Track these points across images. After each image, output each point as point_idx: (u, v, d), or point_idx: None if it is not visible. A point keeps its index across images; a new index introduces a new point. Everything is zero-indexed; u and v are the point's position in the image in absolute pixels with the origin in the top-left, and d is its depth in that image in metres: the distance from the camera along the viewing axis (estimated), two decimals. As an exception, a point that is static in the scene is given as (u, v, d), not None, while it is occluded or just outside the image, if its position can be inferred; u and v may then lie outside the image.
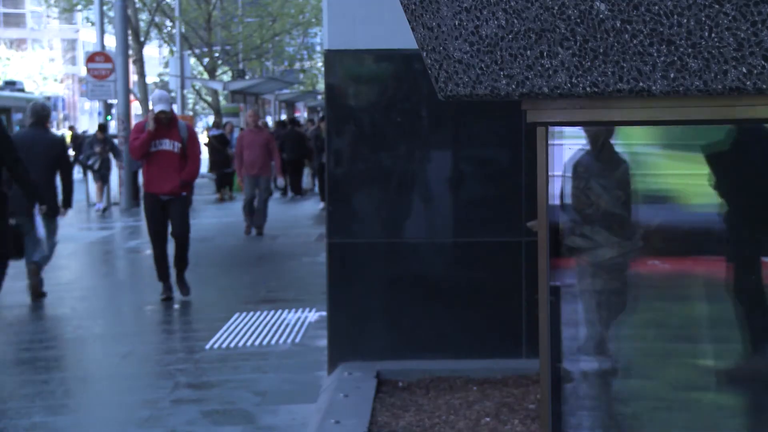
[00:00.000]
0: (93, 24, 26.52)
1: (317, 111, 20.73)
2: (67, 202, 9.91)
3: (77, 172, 19.84)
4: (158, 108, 9.54)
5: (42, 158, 9.30)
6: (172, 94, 39.98)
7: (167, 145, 9.47)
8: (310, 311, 8.87)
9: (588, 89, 2.58)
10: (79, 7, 33.35)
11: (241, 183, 15.27)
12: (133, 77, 27.52)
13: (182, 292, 9.74)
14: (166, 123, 9.50)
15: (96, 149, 19.71)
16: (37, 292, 9.68)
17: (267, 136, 15.35)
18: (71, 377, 7.01)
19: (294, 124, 25.35)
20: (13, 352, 7.77)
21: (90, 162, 19.78)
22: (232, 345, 7.68)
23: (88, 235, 16.19)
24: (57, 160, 9.61)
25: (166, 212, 9.51)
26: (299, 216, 18.51)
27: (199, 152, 9.75)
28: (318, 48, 42.13)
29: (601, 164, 3.92)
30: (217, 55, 35.34)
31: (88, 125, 54.10)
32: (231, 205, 20.56)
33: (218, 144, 22.43)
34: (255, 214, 15.25)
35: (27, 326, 8.83)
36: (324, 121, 21.03)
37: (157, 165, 9.44)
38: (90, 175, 20.78)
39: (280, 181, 18.18)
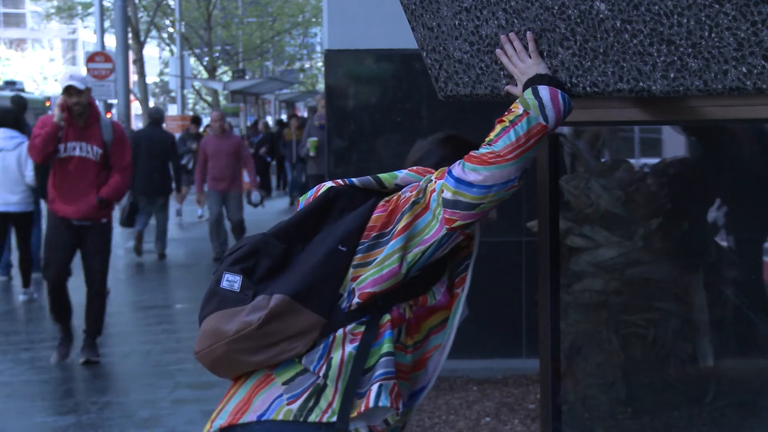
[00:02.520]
0: (87, 27, 26.54)
1: (315, 111, 20.85)
2: (179, 185, 13.09)
3: None
4: (68, 83, 6.89)
5: (158, 150, 12.07)
6: (172, 94, 39.95)
7: (81, 150, 6.91)
8: (310, 311, 8.86)
9: (588, 89, 2.58)
10: (80, 8, 33.38)
11: (200, 199, 12.47)
12: (133, 77, 27.52)
13: (89, 355, 7.12)
14: (79, 116, 6.90)
15: (192, 146, 16.96)
16: (139, 251, 12.44)
17: (236, 142, 12.50)
18: (71, 377, 7.01)
19: (282, 125, 24.53)
20: (13, 352, 7.77)
21: (183, 161, 16.09)
22: (232, 345, 7.68)
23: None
24: (168, 152, 12.26)
25: (78, 243, 7.00)
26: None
27: (128, 161, 7.08)
28: (318, 48, 42.14)
29: (601, 164, 3.92)
30: (217, 55, 35.35)
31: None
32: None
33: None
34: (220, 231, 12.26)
35: (27, 326, 8.83)
36: (289, 124, 20.41)
37: (67, 177, 6.88)
38: None
39: (255, 196, 13.56)
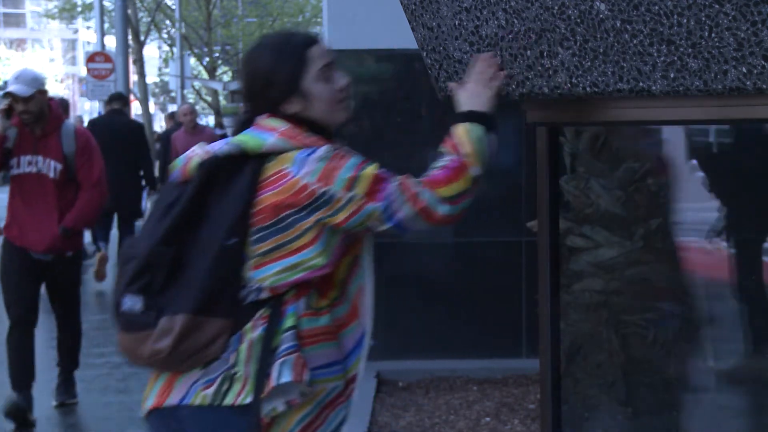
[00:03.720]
0: (89, 27, 26.54)
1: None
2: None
3: None
4: (12, 88, 5.48)
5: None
6: (172, 94, 39.94)
7: (36, 165, 5.58)
8: (310, 311, 8.87)
9: (588, 89, 2.58)
10: (79, 8, 33.38)
11: None
12: (133, 77, 27.53)
13: (63, 397, 6.07)
14: (33, 124, 5.55)
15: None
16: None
17: (209, 139, 10.37)
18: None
19: None
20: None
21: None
22: (232, 345, 7.68)
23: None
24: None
25: (41, 280, 5.70)
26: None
27: (98, 176, 5.70)
28: (318, 48, 42.04)
29: (601, 164, 3.92)
30: (217, 55, 35.36)
31: (88, 125, 53.97)
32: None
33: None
34: None
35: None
36: None
37: (24, 199, 5.61)
38: None
39: None
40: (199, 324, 2.36)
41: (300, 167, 2.42)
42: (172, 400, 2.46)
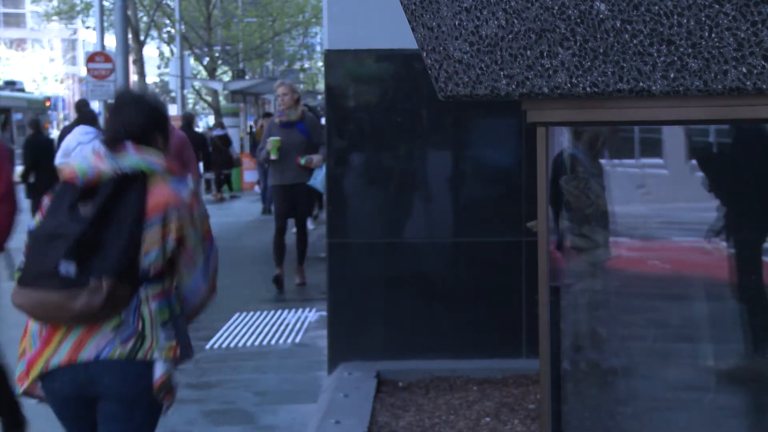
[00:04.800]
0: (89, 27, 26.52)
1: (316, 111, 20.75)
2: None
3: None
4: None
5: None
6: (172, 94, 39.92)
7: None
8: (310, 311, 8.87)
9: (588, 89, 2.58)
10: (79, 8, 33.37)
11: None
12: (133, 77, 27.51)
13: None
14: None
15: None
16: None
17: (179, 141, 9.40)
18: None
19: None
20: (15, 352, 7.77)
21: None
22: (232, 345, 7.68)
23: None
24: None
25: None
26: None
27: (5, 189, 5.38)
28: (318, 48, 42.13)
29: (599, 165, 3.92)
30: (217, 55, 35.35)
31: (88, 125, 53.97)
32: (230, 204, 20.57)
33: (221, 144, 22.43)
34: None
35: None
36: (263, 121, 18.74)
37: None
38: None
39: None
40: (117, 286, 3.12)
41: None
42: (88, 355, 3.17)
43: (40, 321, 3.26)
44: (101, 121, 12.89)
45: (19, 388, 3.35)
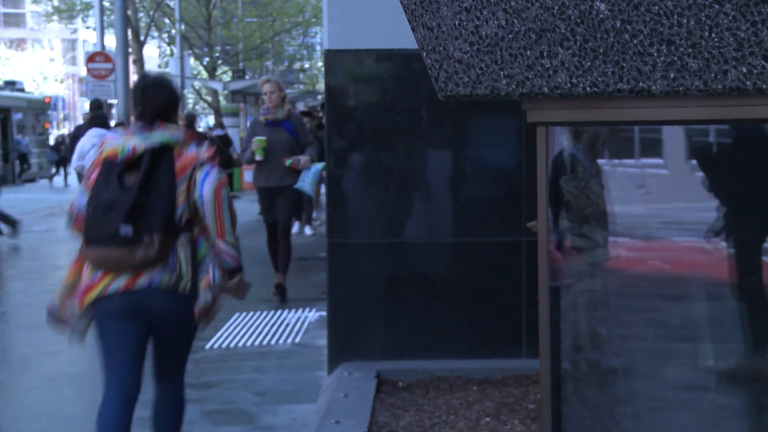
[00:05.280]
0: (89, 27, 26.50)
1: (317, 110, 20.66)
2: None
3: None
4: None
5: None
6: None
7: None
8: (310, 311, 8.87)
9: (588, 89, 2.58)
10: (78, 9, 33.36)
11: None
12: (133, 77, 27.51)
13: None
14: None
15: None
16: None
17: None
18: (72, 377, 7.01)
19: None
20: (15, 352, 7.77)
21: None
22: (232, 345, 7.68)
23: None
24: None
25: None
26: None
27: None
28: (318, 48, 42.13)
29: (598, 165, 3.92)
30: (217, 55, 35.34)
31: (88, 125, 53.93)
32: (231, 205, 20.55)
33: (221, 144, 22.43)
34: None
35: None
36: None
37: None
38: None
39: None
40: (164, 238, 4.04)
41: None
42: (142, 284, 4.08)
43: (106, 270, 4.11)
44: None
45: (79, 303, 4.23)
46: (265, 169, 9.34)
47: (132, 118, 4.53)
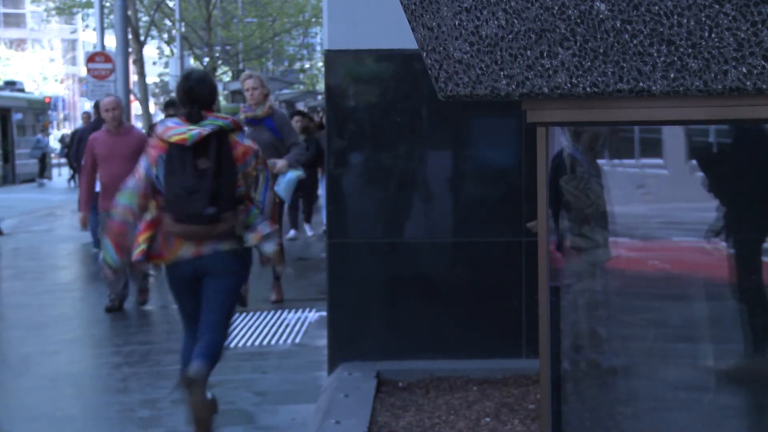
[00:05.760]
0: (88, 27, 26.46)
1: (317, 111, 20.59)
2: None
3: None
4: None
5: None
6: (172, 94, 39.88)
7: None
8: (310, 311, 8.87)
9: (588, 89, 2.58)
10: (77, 8, 33.36)
11: (84, 221, 9.14)
12: (133, 77, 27.51)
13: None
14: None
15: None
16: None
17: (138, 141, 8.86)
18: (71, 377, 7.01)
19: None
20: (15, 352, 7.77)
21: None
22: (232, 345, 7.68)
23: (86, 235, 16.19)
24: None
25: None
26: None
27: None
28: (318, 48, 42.13)
29: (597, 166, 3.91)
30: (217, 55, 35.34)
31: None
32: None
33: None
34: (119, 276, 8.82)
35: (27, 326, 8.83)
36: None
37: None
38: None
39: None
40: (233, 214, 5.08)
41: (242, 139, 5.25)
42: (207, 251, 5.10)
43: (186, 240, 5.07)
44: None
45: (158, 262, 5.20)
46: None
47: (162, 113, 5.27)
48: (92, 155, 8.88)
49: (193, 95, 5.12)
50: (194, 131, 5.00)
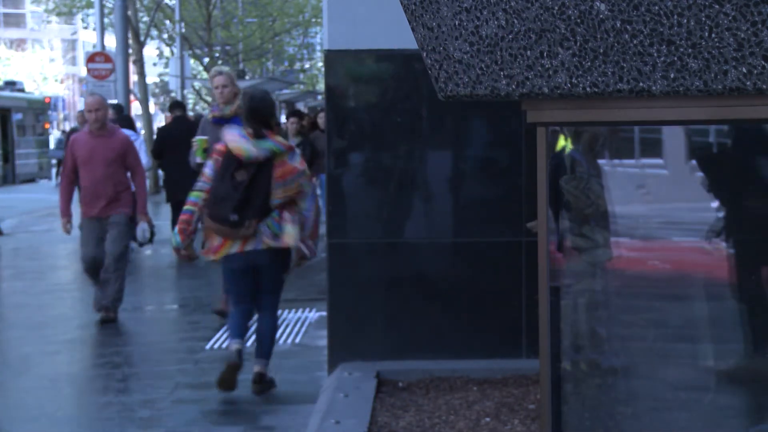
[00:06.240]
0: (87, 27, 26.47)
1: (317, 111, 20.68)
2: None
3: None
4: None
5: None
6: (172, 94, 39.96)
7: None
8: (310, 311, 8.86)
9: (588, 89, 2.58)
10: (78, 6, 33.35)
11: (67, 228, 8.64)
12: (133, 77, 27.51)
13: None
14: None
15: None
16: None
17: (121, 143, 8.58)
18: (71, 377, 7.01)
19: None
20: (15, 351, 7.77)
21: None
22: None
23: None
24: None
25: None
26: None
27: None
28: (318, 48, 42.13)
29: (597, 166, 3.91)
30: (217, 55, 35.34)
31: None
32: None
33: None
34: (103, 286, 8.52)
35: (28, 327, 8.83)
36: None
37: None
38: None
39: (142, 230, 8.85)
40: (256, 221, 6.00)
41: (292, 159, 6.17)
42: (249, 248, 6.07)
43: (215, 233, 6.09)
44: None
45: (210, 256, 6.24)
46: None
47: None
48: (72, 158, 8.41)
49: (257, 115, 6.09)
50: (252, 154, 5.98)
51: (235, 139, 6.02)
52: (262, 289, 6.29)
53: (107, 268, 8.39)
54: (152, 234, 11.98)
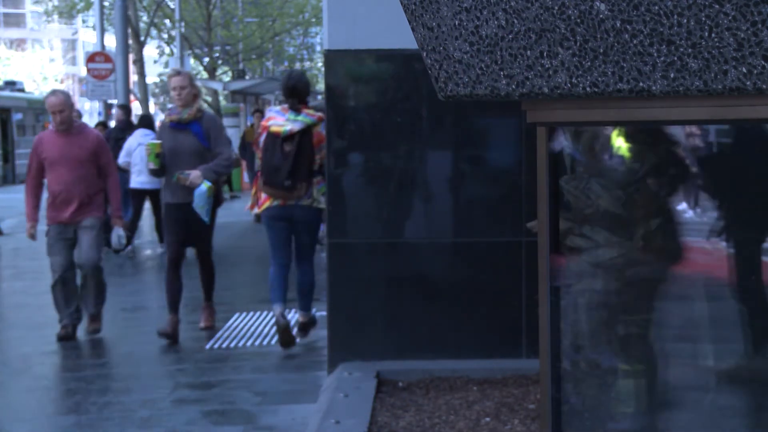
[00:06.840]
0: (88, 26, 26.47)
1: (317, 111, 20.67)
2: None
3: None
4: None
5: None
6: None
7: None
8: (310, 311, 8.86)
9: (588, 89, 2.58)
10: (78, 8, 33.35)
11: (32, 233, 8.03)
12: (133, 77, 27.51)
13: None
14: None
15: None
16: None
17: (93, 143, 8.05)
18: (71, 377, 7.01)
19: None
20: (15, 351, 7.77)
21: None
22: (232, 345, 7.68)
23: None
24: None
25: None
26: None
27: None
28: (318, 48, 42.14)
29: (601, 164, 3.92)
30: (217, 55, 35.35)
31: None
32: (230, 204, 20.56)
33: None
34: (84, 299, 8.09)
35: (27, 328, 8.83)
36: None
37: None
38: None
39: (117, 234, 8.62)
40: (306, 183, 7.27)
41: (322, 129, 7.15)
42: (291, 203, 7.26)
43: (273, 198, 7.28)
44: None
45: (256, 210, 7.58)
46: (171, 181, 7.67)
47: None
48: (38, 159, 7.85)
49: (294, 91, 7.28)
50: (287, 127, 7.16)
51: (274, 117, 7.30)
52: (298, 240, 7.38)
53: (86, 279, 7.94)
54: (128, 240, 11.74)
